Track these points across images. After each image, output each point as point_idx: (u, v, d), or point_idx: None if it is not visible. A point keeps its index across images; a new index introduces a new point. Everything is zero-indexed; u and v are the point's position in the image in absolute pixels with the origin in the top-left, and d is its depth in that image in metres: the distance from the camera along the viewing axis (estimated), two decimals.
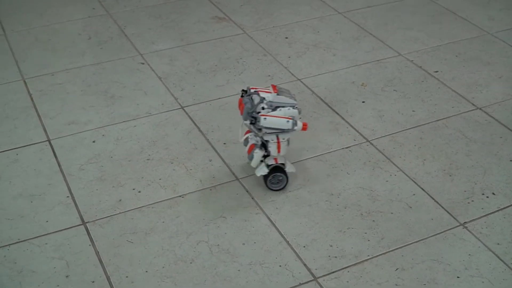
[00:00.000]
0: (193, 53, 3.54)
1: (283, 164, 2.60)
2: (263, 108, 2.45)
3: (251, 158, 2.59)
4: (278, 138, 2.54)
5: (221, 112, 3.08)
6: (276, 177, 2.62)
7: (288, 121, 2.46)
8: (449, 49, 3.62)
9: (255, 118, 2.45)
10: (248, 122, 2.47)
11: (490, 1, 4.19)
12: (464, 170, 2.76)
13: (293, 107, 2.48)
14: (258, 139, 2.58)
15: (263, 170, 2.58)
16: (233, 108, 3.08)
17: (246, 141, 2.61)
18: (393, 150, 2.86)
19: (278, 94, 2.47)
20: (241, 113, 2.48)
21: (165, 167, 2.75)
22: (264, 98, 2.45)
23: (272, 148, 2.55)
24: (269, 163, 2.58)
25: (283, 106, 2.47)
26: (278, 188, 2.64)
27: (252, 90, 2.49)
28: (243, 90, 2.53)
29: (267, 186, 2.63)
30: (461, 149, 2.88)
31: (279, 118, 2.46)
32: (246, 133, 2.62)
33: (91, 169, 2.74)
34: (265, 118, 2.43)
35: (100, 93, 3.21)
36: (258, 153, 2.56)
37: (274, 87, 2.49)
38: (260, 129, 2.48)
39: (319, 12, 4.01)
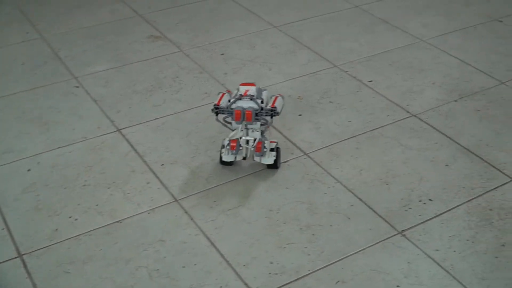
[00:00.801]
0: (129, 74, 3.52)
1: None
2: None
3: (262, 154, 2.75)
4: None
5: (158, 132, 3.07)
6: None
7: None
8: (383, 58, 3.66)
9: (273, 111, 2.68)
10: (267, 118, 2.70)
11: (424, 8, 4.26)
12: (401, 178, 2.79)
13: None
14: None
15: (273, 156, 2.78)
16: (170, 128, 3.07)
17: (237, 147, 2.71)
18: (331, 162, 2.88)
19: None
20: (249, 119, 2.67)
21: (102, 193, 2.72)
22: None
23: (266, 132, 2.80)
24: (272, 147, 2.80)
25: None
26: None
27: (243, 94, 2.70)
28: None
29: (278, 166, 2.82)
30: (397, 157, 2.91)
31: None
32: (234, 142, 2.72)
33: (27, 198, 2.71)
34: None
35: (35, 120, 3.17)
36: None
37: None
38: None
39: (254, 27, 4.02)
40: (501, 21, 4.11)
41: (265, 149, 2.76)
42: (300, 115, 3.18)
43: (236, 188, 2.74)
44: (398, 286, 2.31)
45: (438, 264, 2.40)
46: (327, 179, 2.79)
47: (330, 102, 3.28)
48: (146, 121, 3.15)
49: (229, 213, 2.61)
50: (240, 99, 2.70)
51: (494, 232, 2.53)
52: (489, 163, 2.88)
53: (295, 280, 2.34)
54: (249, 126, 2.73)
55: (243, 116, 2.67)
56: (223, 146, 2.81)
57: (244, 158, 2.81)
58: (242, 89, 2.72)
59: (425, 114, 3.19)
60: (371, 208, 2.64)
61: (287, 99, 3.24)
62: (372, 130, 3.08)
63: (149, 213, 2.62)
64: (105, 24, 4.05)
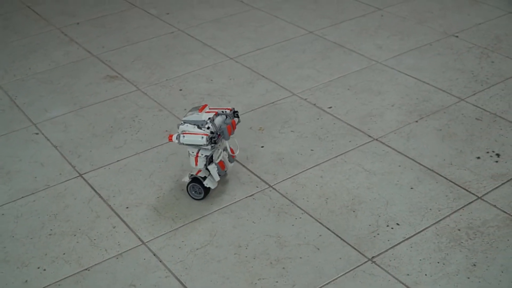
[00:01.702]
0: (87, 117, 3.50)
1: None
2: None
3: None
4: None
5: (120, 175, 3.04)
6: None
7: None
8: (340, 83, 3.69)
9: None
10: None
11: (377, 30, 4.29)
12: (367, 204, 2.80)
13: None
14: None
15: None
16: (132, 169, 3.05)
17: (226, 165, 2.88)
18: (296, 193, 2.88)
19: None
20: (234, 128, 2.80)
21: (68, 241, 2.69)
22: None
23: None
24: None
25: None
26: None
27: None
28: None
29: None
30: (362, 182, 2.92)
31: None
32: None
33: None
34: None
35: None
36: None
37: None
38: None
39: (210, 60, 4.03)
40: (456, 36, 4.16)
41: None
42: (262, 146, 3.18)
43: (203, 226, 2.72)
44: None
45: None
46: (293, 211, 2.78)
47: (292, 131, 3.28)
48: (108, 164, 3.12)
49: (198, 252, 2.60)
50: (214, 119, 2.74)
51: (464, 253, 2.54)
52: (454, 183, 2.90)
53: None
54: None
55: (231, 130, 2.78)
56: (198, 179, 2.82)
57: (226, 173, 2.96)
58: (202, 113, 2.75)
59: (387, 137, 3.21)
60: (339, 237, 2.64)
61: (248, 132, 3.24)
62: (335, 157, 3.09)
63: (117, 258, 2.59)
64: (60, 68, 4.02)
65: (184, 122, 2.74)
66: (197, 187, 2.84)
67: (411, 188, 2.88)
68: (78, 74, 3.93)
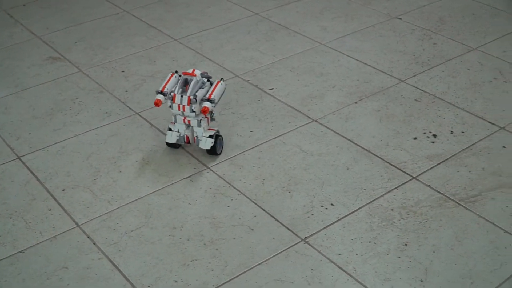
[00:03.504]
0: (28, 99, 3.47)
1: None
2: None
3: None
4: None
5: (58, 157, 3.03)
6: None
7: None
8: (283, 65, 3.70)
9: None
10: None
11: (322, 12, 4.31)
12: (303, 185, 2.82)
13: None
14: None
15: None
16: (70, 152, 3.04)
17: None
18: (233, 174, 2.89)
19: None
20: None
21: (3, 223, 2.68)
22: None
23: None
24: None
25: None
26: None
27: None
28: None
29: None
30: (299, 163, 2.94)
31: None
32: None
33: None
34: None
35: None
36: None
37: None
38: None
39: (155, 41, 4.01)
40: (400, 19, 4.19)
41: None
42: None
43: (139, 208, 2.72)
44: None
45: (340, 268, 2.43)
46: (230, 192, 2.80)
47: (232, 113, 3.29)
48: (46, 146, 3.10)
49: (133, 234, 2.60)
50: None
51: (396, 232, 2.58)
52: (389, 163, 2.94)
53: None
54: None
55: None
56: (218, 135, 2.98)
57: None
58: (193, 77, 2.92)
59: (326, 119, 3.23)
60: (274, 218, 2.66)
61: None
62: (274, 138, 3.11)
63: (51, 240, 2.59)
64: (3, 49, 3.98)
65: (194, 95, 2.86)
66: (220, 139, 3.02)
67: (347, 169, 2.91)
68: (20, 56, 3.90)
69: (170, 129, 2.96)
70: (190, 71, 2.89)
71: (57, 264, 2.48)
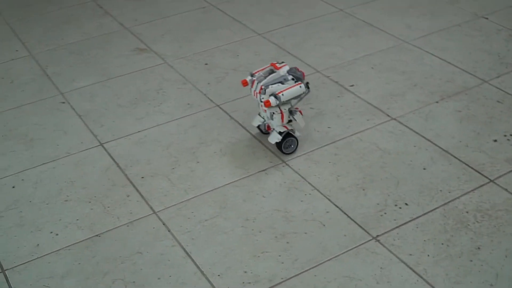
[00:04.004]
0: (114, 88, 3.57)
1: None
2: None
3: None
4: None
5: (140, 145, 3.11)
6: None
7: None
8: (365, 62, 3.69)
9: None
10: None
11: (408, 9, 4.27)
12: (378, 183, 2.81)
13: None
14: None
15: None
16: (152, 141, 3.11)
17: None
18: (308, 169, 2.91)
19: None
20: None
21: (82, 207, 2.77)
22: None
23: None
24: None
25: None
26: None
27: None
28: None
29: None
30: (375, 161, 2.93)
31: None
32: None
33: (10, 215, 2.75)
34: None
35: (20, 137, 3.22)
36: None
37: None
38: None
39: (238, 35, 4.06)
40: (486, 18, 4.12)
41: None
42: None
43: (214, 198, 2.77)
44: None
45: (411, 268, 2.42)
46: (304, 187, 2.81)
47: (311, 108, 3.30)
48: (129, 135, 3.19)
49: (206, 224, 2.65)
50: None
51: (470, 235, 2.55)
52: (467, 165, 2.90)
53: None
54: None
55: None
56: (290, 134, 2.99)
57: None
58: (279, 71, 2.91)
59: (405, 117, 3.21)
60: (346, 214, 2.67)
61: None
62: (352, 135, 3.11)
63: (127, 226, 2.66)
64: (92, 39, 4.10)
65: (266, 86, 2.85)
66: (292, 141, 2.99)
67: (424, 169, 2.88)
68: (108, 46, 4.01)
69: (259, 114, 3.02)
70: (280, 64, 2.91)
71: (132, 249, 2.55)
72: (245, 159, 2.98)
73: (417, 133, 3.10)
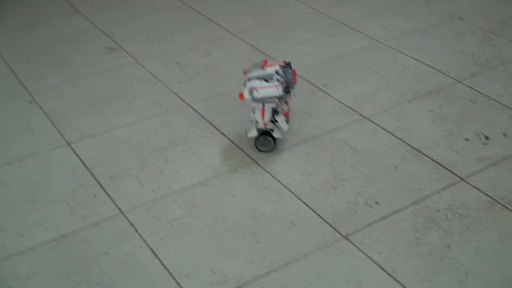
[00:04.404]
0: (83, 87, 3.52)
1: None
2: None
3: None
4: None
5: (108, 145, 3.06)
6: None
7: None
8: (339, 61, 3.66)
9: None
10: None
11: (383, 10, 4.26)
12: (348, 182, 2.78)
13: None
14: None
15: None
16: (120, 140, 3.07)
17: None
18: (279, 168, 2.87)
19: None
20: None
21: (48, 208, 2.71)
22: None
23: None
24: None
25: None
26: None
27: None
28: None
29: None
30: (346, 160, 2.90)
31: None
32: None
33: None
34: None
35: None
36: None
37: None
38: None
39: (212, 34, 4.02)
40: (462, 19, 4.11)
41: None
42: (251, 122, 3.16)
43: (184, 198, 2.73)
44: None
45: (380, 267, 2.39)
46: (275, 186, 2.78)
47: None
48: (97, 134, 3.14)
49: (175, 224, 2.61)
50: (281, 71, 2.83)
51: (440, 234, 2.53)
52: (439, 163, 2.88)
53: None
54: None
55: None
56: (267, 132, 2.92)
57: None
58: (267, 68, 2.85)
59: (378, 117, 3.18)
60: (317, 214, 2.63)
61: (239, 107, 3.24)
62: (323, 134, 3.07)
63: (94, 226, 2.61)
64: (62, 38, 4.04)
65: (249, 79, 2.81)
66: (267, 140, 2.94)
67: (395, 168, 2.86)
68: (79, 45, 3.96)
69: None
70: (276, 61, 2.91)
71: (98, 249, 2.50)
72: (215, 159, 2.94)
73: (389, 132, 3.08)
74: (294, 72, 2.86)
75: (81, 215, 2.67)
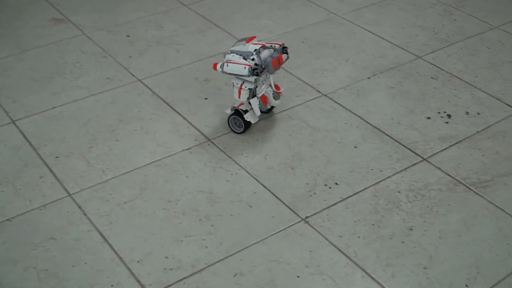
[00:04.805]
0: (28, 61, 3.34)
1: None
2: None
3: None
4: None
5: (54, 122, 2.91)
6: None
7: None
8: (296, 35, 3.55)
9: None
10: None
11: None
12: (307, 162, 2.69)
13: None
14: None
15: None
16: (67, 117, 2.92)
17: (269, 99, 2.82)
18: (235, 148, 2.76)
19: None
20: (281, 63, 2.73)
21: None
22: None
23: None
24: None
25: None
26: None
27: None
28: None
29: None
30: (305, 139, 2.81)
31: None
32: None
33: None
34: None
35: None
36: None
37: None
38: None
39: (163, 6, 3.87)
40: None
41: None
42: (206, 98, 3.05)
43: (134, 179, 2.61)
44: (298, 276, 2.22)
45: (340, 251, 2.31)
46: (230, 166, 2.67)
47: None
48: (43, 111, 2.99)
49: (125, 206, 2.48)
50: (260, 52, 2.69)
51: (402, 216, 2.45)
52: (400, 143, 2.80)
53: (191, 275, 2.23)
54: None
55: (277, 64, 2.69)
56: (239, 112, 2.78)
57: (272, 108, 2.95)
58: (249, 45, 2.72)
59: (336, 93, 3.09)
60: (274, 195, 2.53)
61: (193, 82, 3.12)
62: (281, 112, 2.97)
63: (40, 209, 2.48)
64: (6, 9, 3.85)
65: (231, 52, 2.70)
66: (238, 120, 2.80)
67: (355, 147, 2.77)
68: (24, 17, 3.77)
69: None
70: (260, 41, 2.80)
71: (45, 234, 2.38)
72: (168, 137, 2.82)
73: (348, 110, 2.99)
74: (280, 57, 2.72)
75: (27, 198, 2.53)
